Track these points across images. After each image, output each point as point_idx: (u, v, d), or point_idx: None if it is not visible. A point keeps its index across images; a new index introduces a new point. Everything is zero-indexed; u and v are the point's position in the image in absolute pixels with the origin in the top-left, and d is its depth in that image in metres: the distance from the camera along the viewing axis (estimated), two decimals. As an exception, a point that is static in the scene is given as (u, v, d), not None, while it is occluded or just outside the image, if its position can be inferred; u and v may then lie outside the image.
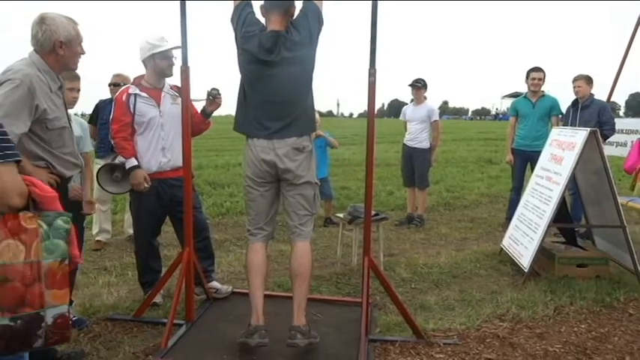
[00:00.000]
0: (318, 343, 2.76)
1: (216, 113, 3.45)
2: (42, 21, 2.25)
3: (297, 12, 2.73)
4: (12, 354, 1.60)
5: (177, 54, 3.24)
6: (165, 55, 3.21)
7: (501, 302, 3.51)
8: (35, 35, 2.26)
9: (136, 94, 3.19)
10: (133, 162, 3.18)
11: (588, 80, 5.21)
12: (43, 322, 1.59)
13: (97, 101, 4.72)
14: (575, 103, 5.32)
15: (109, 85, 4.58)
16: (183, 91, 2.95)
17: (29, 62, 2.25)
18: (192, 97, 3.07)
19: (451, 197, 7.74)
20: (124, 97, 3.18)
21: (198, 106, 3.39)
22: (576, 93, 5.25)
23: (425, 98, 5.94)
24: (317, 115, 5.55)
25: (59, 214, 1.68)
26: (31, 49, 2.29)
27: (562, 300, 3.55)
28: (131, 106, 3.16)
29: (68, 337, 1.71)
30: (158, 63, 3.21)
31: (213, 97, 3.30)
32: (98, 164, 4.13)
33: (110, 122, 3.25)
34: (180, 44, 3.05)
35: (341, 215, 4.55)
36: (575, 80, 5.27)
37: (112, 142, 3.27)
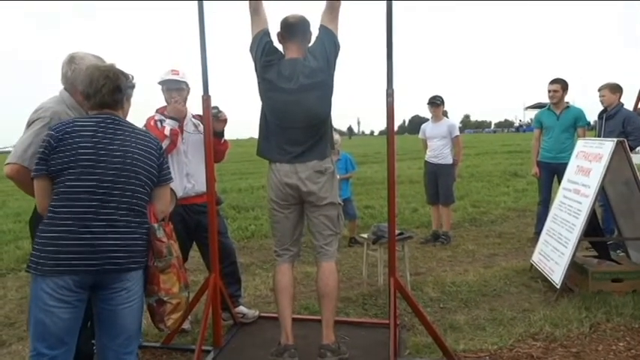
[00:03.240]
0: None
1: (239, 136, 3.55)
2: (71, 60, 2.36)
3: (313, 38, 2.79)
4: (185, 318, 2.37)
5: (194, 84, 3.38)
6: (167, 87, 3.36)
7: (534, 320, 3.41)
8: (65, 74, 2.36)
9: (161, 120, 3.30)
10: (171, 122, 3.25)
11: (613, 89, 5.10)
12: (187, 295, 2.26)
13: None
14: (602, 113, 5.22)
15: None
16: (205, 119, 3.03)
17: (59, 100, 2.35)
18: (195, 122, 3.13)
19: (477, 212, 7.62)
20: (152, 122, 3.30)
21: None
22: (602, 103, 5.15)
23: (444, 114, 5.92)
24: (337, 136, 5.64)
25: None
26: (62, 87, 2.40)
27: (598, 317, 3.43)
28: (159, 129, 3.26)
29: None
30: (164, 94, 3.39)
31: (215, 116, 3.27)
32: None
33: None
34: (179, 79, 3.32)
35: (365, 235, 4.53)
36: (600, 90, 5.18)
37: None
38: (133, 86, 2.15)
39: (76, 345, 2.00)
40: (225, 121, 3.35)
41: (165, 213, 2.19)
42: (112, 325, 1.99)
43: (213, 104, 3.08)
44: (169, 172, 2.19)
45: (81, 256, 1.88)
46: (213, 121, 3.34)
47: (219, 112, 3.31)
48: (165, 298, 2.09)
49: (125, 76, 2.11)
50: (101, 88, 2.01)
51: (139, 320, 2.07)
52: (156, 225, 2.08)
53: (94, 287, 1.95)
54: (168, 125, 3.22)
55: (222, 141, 3.44)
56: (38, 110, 2.26)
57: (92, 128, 1.98)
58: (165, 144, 3.17)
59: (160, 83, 3.38)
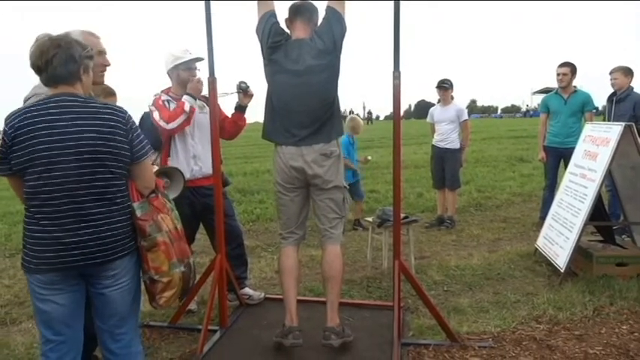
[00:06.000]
0: (351, 348, 2.78)
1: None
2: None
3: (320, 20, 2.76)
4: (185, 295, 2.19)
5: (200, 66, 3.36)
6: (188, 67, 3.32)
7: (537, 304, 3.44)
8: None
9: (168, 100, 3.29)
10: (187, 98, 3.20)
11: (626, 72, 5.04)
12: (190, 267, 2.13)
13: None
14: (611, 96, 5.17)
15: None
16: (210, 101, 3.02)
17: None
18: (220, 93, 3.13)
19: (482, 197, 7.61)
20: (160, 102, 3.27)
21: (228, 103, 3.47)
22: (613, 85, 5.10)
23: (452, 98, 5.89)
24: (360, 120, 5.76)
25: (166, 193, 2.20)
26: None
27: (601, 300, 3.45)
28: (167, 107, 3.25)
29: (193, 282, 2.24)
30: (181, 74, 3.32)
31: (244, 90, 3.38)
32: None
33: (160, 120, 3.19)
34: (201, 56, 3.21)
35: (370, 219, 4.55)
36: (612, 72, 5.12)
37: (168, 127, 3.18)
38: (90, 57, 1.95)
39: (83, 327, 2.00)
40: (252, 96, 3.41)
41: (149, 188, 2.05)
42: (103, 307, 1.97)
43: (224, 83, 3.09)
44: (144, 146, 1.99)
45: (59, 254, 1.82)
46: (241, 95, 3.39)
47: (248, 86, 3.37)
48: (155, 277, 2.00)
49: (81, 45, 1.90)
50: (52, 59, 1.81)
51: (130, 301, 2.01)
52: (136, 204, 1.97)
53: (82, 276, 1.92)
54: (188, 102, 3.19)
55: (243, 116, 3.48)
56: (35, 87, 2.25)
57: (46, 117, 1.79)
58: (181, 119, 3.17)
59: (181, 64, 3.29)
